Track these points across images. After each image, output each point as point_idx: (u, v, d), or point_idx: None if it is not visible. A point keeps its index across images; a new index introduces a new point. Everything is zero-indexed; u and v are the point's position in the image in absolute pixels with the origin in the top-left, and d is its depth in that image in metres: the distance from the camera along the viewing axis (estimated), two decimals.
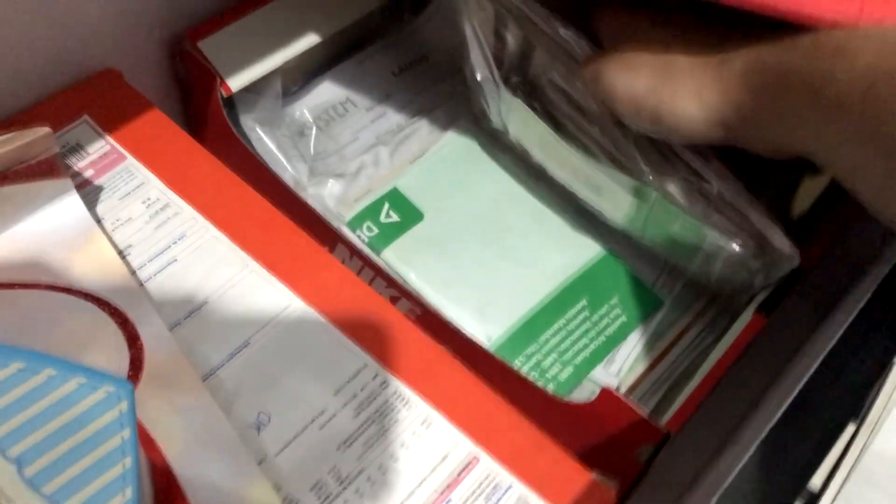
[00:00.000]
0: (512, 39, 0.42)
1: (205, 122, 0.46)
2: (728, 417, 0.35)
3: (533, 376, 0.39)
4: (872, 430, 0.33)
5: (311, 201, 0.44)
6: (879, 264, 0.39)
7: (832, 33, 0.29)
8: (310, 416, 0.32)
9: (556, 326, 0.41)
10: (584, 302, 0.42)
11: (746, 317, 0.37)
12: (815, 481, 0.31)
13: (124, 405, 0.22)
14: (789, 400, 0.32)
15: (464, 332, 0.40)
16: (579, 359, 0.40)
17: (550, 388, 0.39)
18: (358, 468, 0.31)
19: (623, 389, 0.40)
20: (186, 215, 0.36)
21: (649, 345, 0.41)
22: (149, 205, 0.36)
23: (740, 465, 0.30)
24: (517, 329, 0.41)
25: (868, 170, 0.29)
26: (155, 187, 0.37)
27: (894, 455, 0.38)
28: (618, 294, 0.42)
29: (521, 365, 0.40)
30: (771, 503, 0.31)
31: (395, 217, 0.44)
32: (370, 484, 0.31)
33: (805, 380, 0.33)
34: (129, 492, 0.21)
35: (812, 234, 0.41)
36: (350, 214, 0.44)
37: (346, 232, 0.44)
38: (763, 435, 0.31)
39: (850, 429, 0.32)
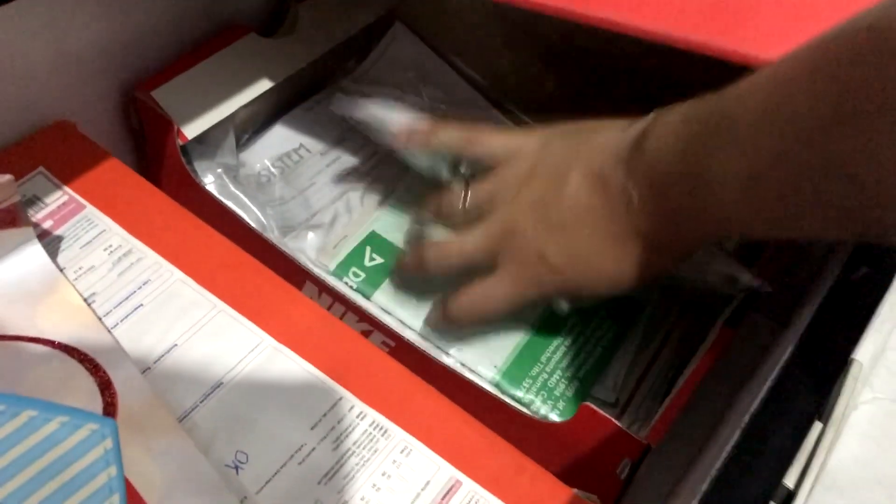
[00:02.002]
0: None
1: (161, 171, 0.46)
2: (705, 425, 0.36)
3: (542, 397, 0.40)
4: (836, 430, 0.34)
5: (291, 255, 0.44)
6: (825, 275, 0.41)
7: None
8: (288, 453, 0.31)
9: (554, 344, 0.42)
10: (575, 317, 0.42)
11: (715, 331, 0.38)
12: (789, 481, 0.32)
13: (108, 442, 0.21)
14: (757, 402, 0.33)
15: (467, 364, 0.40)
16: (582, 372, 0.41)
17: (561, 405, 0.40)
18: (340, 501, 0.31)
19: (621, 403, 0.41)
20: (150, 260, 0.36)
21: (639, 354, 0.42)
22: (111, 252, 0.36)
23: (717, 469, 0.31)
24: (519, 352, 0.41)
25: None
26: (116, 234, 0.37)
27: (855, 459, 0.39)
28: (604, 305, 0.43)
29: (529, 387, 0.40)
30: (752, 497, 0.31)
31: (378, 259, 0.44)
32: None
33: (770, 384, 0.34)
34: None
35: (763, 252, 0.42)
36: (333, 263, 0.44)
37: (323, 276, 0.44)
38: (736, 438, 0.31)
39: (818, 427, 0.33)
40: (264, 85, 0.47)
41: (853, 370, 0.35)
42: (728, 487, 0.31)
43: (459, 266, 0.39)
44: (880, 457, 0.45)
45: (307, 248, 0.45)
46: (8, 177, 0.31)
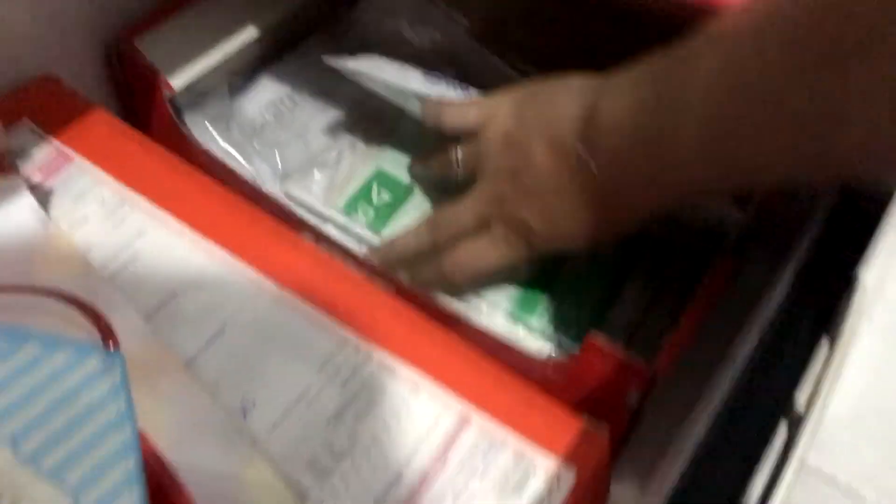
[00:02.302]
0: None
1: (150, 125, 0.45)
2: (713, 353, 0.35)
3: (556, 323, 0.40)
4: (844, 351, 0.34)
5: (298, 193, 0.44)
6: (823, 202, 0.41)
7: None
8: (295, 396, 0.31)
9: (566, 272, 0.42)
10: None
11: (721, 260, 0.38)
12: (799, 405, 0.32)
13: (116, 375, 0.21)
14: (763, 327, 0.32)
15: (482, 295, 0.41)
16: (594, 298, 0.41)
17: (574, 332, 0.40)
18: (351, 441, 0.30)
19: (632, 328, 0.41)
20: (145, 210, 0.35)
21: (648, 282, 0.42)
22: (104, 203, 0.35)
23: (726, 393, 0.31)
24: (533, 281, 0.41)
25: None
26: (108, 185, 0.36)
27: (857, 390, 0.39)
28: None
29: (542, 317, 0.40)
30: (759, 424, 0.31)
31: (385, 197, 0.45)
32: (365, 455, 0.30)
33: (776, 306, 0.33)
34: (132, 460, 0.20)
35: None
36: (342, 200, 0.44)
37: (328, 215, 0.44)
38: (744, 361, 0.31)
39: (825, 349, 0.33)
40: (253, 32, 0.46)
41: (859, 291, 0.35)
42: (739, 409, 0.31)
43: (458, 233, 0.40)
44: (882, 388, 0.45)
45: (314, 186, 0.44)
46: None
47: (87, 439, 0.20)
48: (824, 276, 0.37)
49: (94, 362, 0.21)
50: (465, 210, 0.40)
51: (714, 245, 0.41)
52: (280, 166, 0.46)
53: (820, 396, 0.32)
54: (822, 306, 0.35)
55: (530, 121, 0.38)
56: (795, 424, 0.32)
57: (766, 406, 0.34)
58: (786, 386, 0.34)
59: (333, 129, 0.48)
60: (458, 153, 0.41)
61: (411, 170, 0.45)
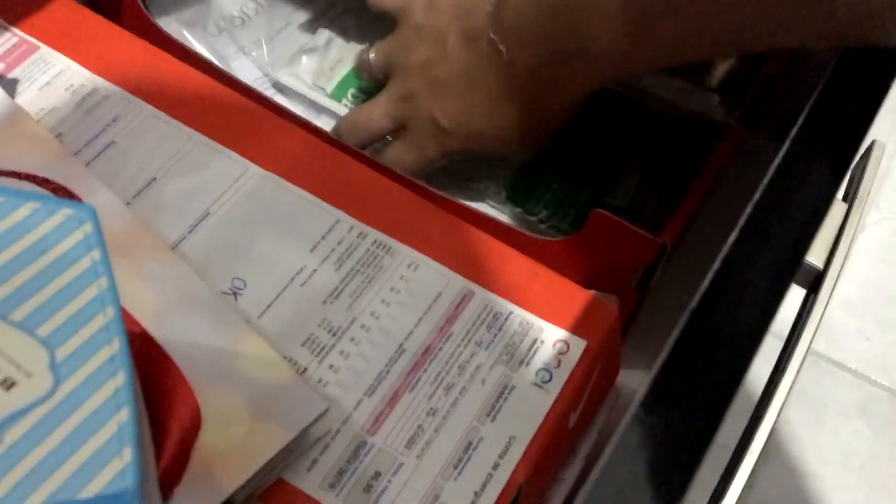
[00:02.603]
0: None
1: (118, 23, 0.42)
2: (723, 223, 0.34)
3: (553, 207, 0.39)
4: (863, 209, 0.32)
5: (286, 80, 0.42)
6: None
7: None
8: (288, 276, 0.30)
9: (563, 156, 0.40)
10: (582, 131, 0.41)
11: (728, 132, 0.36)
12: (816, 262, 0.31)
13: (88, 227, 0.19)
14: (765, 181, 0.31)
15: (475, 181, 0.39)
16: (592, 181, 0.40)
17: (572, 213, 0.39)
18: (349, 318, 0.29)
19: (634, 210, 0.40)
20: (117, 97, 0.33)
21: (650, 163, 0.40)
22: (73, 91, 0.33)
23: (729, 245, 0.29)
24: (529, 166, 0.40)
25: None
26: (77, 73, 0.34)
27: (866, 279, 0.37)
28: (612, 119, 0.41)
29: (538, 201, 0.39)
30: (769, 283, 0.30)
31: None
32: (365, 331, 0.29)
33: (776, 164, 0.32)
34: (110, 311, 0.19)
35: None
36: (331, 85, 0.42)
37: (318, 100, 0.42)
38: (744, 220, 0.30)
39: (841, 207, 0.31)
40: None
41: (875, 151, 0.34)
42: (748, 258, 0.30)
43: (372, 136, 0.39)
44: (891, 276, 0.43)
45: (302, 73, 0.43)
46: None
47: (60, 291, 0.18)
48: (837, 130, 0.36)
49: (63, 214, 0.19)
50: (376, 111, 0.38)
51: (709, 134, 0.39)
52: (267, 59, 0.44)
53: (838, 256, 0.31)
54: (836, 160, 0.33)
55: (443, 11, 0.36)
56: (814, 284, 0.31)
57: (772, 269, 0.33)
58: (798, 237, 0.33)
59: (321, 18, 0.46)
60: (371, 51, 0.39)
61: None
